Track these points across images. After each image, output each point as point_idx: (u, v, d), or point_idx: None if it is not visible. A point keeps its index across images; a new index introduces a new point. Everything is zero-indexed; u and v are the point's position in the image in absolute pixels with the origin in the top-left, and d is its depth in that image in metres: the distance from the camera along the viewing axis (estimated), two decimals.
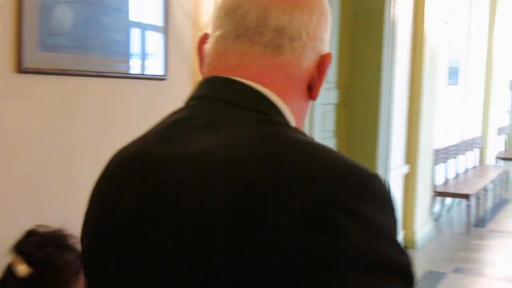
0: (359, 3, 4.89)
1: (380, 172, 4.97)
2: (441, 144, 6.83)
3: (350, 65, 4.95)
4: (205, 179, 0.64)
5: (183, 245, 0.63)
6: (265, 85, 0.73)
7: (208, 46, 0.79)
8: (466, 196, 6.44)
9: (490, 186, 8.28)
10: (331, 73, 4.67)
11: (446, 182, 7.08)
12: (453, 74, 7.33)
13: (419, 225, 5.87)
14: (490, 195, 8.29)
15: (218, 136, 0.68)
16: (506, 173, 8.81)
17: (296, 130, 0.71)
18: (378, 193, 0.62)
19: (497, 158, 9.87)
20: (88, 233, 0.78)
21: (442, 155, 6.81)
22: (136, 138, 0.79)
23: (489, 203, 8.07)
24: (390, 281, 0.57)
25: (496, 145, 9.96)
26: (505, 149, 10.91)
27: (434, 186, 6.48)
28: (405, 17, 5.33)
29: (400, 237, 5.66)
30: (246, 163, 0.63)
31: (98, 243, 0.75)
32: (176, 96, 3.02)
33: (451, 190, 6.67)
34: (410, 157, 5.72)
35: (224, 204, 0.61)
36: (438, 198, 6.85)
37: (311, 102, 0.80)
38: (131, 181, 0.72)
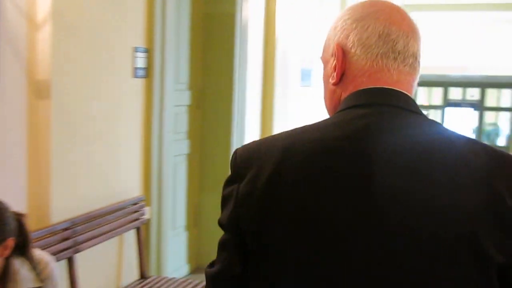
0: (210, 4, 4.95)
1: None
2: None
3: (202, 66, 5.00)
4: (436, 163, 0.95)
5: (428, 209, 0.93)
6: (407, 91, 1.06)
7: (362, 59, 1.05)
8: None
9: None
10: (183, 74, 4.68)
11: None
12: (306, 75, 7.66)
13: None
14: None
15: (422, 133, 0.99)
16: None
17: (437, 122, 1.07)
18: None
19: None
20: (287, 215, 0.96)
21: None
22: (311, 136, 1.02)
23: None
24: None
25: None
26: None
27: None
28: (256, 19, 5.49)
29: None
30: (459, 150, 0.98)
31: (307, 229, 0.95)
32: (8, 96, 2.86)
33: None
34: None
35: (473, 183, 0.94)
36: None
37: None
38: (346, 167, 0.96)
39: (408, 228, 0.92)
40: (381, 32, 1.05)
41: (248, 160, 1.04)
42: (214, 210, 5.00)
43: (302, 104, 7.52)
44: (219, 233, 1.10)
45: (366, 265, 0.92)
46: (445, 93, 22.92)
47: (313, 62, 7.96)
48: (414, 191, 0.93)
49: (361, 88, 1.05)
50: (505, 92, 22.60)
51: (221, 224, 1.06)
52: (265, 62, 5.78)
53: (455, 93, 23.01)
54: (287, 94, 6.24)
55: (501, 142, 16.86)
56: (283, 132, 1.06)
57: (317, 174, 0.97)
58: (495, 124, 22.03)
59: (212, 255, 1.09)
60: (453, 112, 23.34)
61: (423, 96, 23.75)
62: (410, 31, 1.07)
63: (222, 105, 5.03)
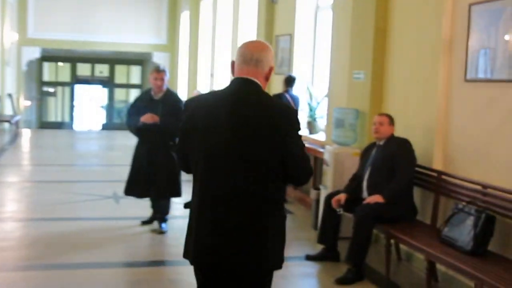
0: None
1: None
2: None
3: None
4: (256, 109, 2.72)
5: (243, 132, 2.69)
6: (256, 78, 2.76)
7: (236, 64, 2.81)
8: None
9: None
10: None
11: None
12: None
13: None
14: None
15: (250, 95, 2.74)
16: None
17: (267, 93, 2.83)
18: (298, 117, 2.75)
19: None
20: (200, 127, 2.74)
21: None
22: (212, 92, 2.93)
23: None
24: (299, 135, 2.77)
25: None
26: None
27: None
28: None
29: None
30: (265, 103, 2.76)
31: (206, 132, 2.73)
32: None
33: None
34: None
35: (261, 119, 2.70)
36: None
37: (267, 82, 2.85)
38: (218, 111, 2.73)
39: (239, 134, 2.65)
40: (242, 53, 2.78)
41: (189, 103, 2.86)
42: None
43: None
44: None
45: (225, 144, 2.67)
46: (74, 69, 23.07)
47: None
48: (249, 116, 2.67)
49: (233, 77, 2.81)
50: (134, 69, 23.91)
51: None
52: None
53: (83, 69, 23.32)
54: None
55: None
56: (210, 91, 3.01)
57: (208, 112, 2.72)
58: (126, 101, 23.15)
59: None
60: (82, 89, 23.68)
61: (49, 72, 23.40)
62: (257, 50, 2.78)
63: None
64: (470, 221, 4.37)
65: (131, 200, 6.37)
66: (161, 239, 6.08)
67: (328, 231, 5.48)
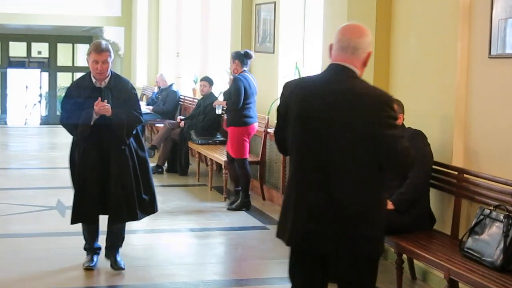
0: None
1: None
2: None
3: None
4: (349, 97, 3.45)
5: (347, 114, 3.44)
6: (352, 65, 3.46)
7: (333, 49, 3.51)
8: None
9: None
10: None
11: None
12: None
13: None
14: None
15: (344, 82, 3.47)
16: None
17: (363, 80, 3.56)
18: (393, 105, 3.50)
19: None
20: (294, 113, 3.51)
21: None
22: (308, 77, 4.15)
23: None
24: (394, 125, 3.49)
25: None
26: None
27: None
28: None
29: None
30: (359, 91, 3.48)
31: (299, 119, 3.50)
32: None
33: None
34: None
35: (364, 104, 3.44)
36: None
37: (365, 68, 3.59)
38: (311, 98, 3.49)
39: (330, 122, 3.37)
40: (338, 39, 3.47)
41: (287, 85, 3.63)
42: None
43: None
44: None
45: (317, 133, 3.41)
46: (5, 49, 22.78)
47: None
48: (342, 104, 3.37)
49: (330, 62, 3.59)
50: (80, 47, 23.65)
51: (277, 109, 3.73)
52: None
53: (18, 50, 23.06)
54: None
55: None
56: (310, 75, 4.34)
57: (302, 98, 3.47)
58: None
59: None
60: (17, 74, 23.42)
61: None
62: (354, 36, 3.47)
63: None
64: (498, 229, 4.38)
65: None
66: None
67: None
